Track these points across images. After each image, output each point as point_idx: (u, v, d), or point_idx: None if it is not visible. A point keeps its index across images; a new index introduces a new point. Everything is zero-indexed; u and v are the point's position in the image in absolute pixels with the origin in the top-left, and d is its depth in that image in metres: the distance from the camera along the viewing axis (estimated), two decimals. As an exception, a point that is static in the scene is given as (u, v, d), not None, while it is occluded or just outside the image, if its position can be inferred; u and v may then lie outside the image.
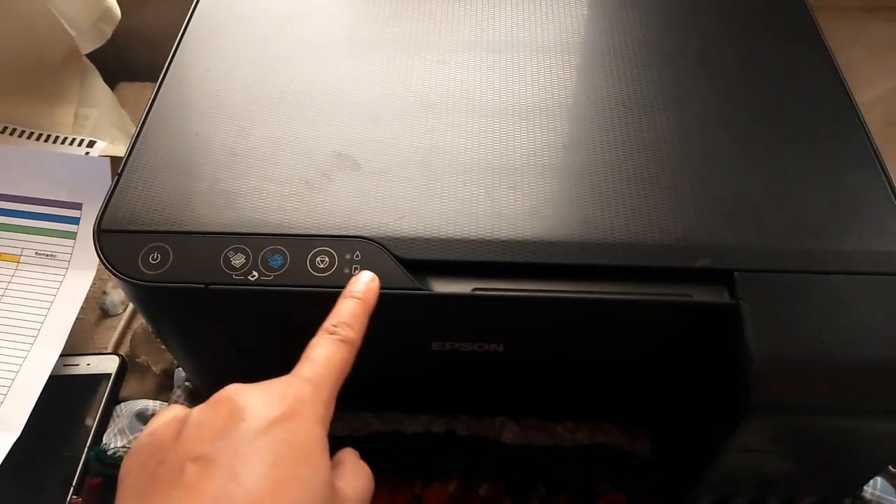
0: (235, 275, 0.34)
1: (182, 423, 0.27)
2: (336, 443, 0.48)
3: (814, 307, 0.34)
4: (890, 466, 0.46)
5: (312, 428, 0.27)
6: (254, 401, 0.27)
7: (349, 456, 0.31)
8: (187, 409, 0.28)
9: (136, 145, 0.39)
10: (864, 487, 0.46)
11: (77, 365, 0.51)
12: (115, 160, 0.60)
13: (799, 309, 0.34)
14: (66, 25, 0.62)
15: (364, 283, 0.33)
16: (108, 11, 0.66)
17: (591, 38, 0.46)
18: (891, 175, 0.39)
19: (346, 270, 0.35)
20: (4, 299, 0.51)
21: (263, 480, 0.25)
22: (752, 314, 0.33)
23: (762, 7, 0.48)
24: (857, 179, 0.38)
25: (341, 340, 0.31)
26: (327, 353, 0.30)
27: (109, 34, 0.68)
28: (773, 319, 0.33)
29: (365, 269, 0.34)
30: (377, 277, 0.33)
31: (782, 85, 0.43)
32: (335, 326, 0.31)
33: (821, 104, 0.42)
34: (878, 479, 0.46)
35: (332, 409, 0.29)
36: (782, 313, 0.33)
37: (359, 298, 0.32)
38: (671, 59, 0.44)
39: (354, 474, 0.30)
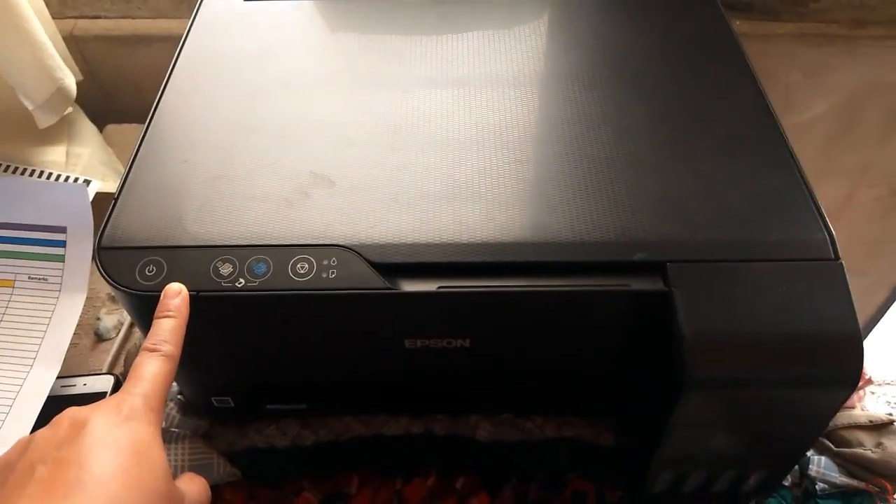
0: (224, 282, 0.38)
1: (28, 442, 0.31)
2: (323, 447, 0.51)
3: (739, 291, 0.38)
4: (830, 444, 0.51)
5: (146, 429, 0.32)
6: (92, 413, 0.31)
7: (187, 472, 0.37)
8: (33, 434, 0.32)
9: (131, 171, 0.43)
10: (809, 466, 0.50)
11: (74, 385, 0.54)
12: (106, 196, 0.64)
13: (726, 293, 0.38)
14: (21, 98, 0.62)
15: (174, 298, 0.37)
16: (61, 91, 0.66)
17: (538, 68, 0.51)
18: (806, 175, 0.44)
19: (325, 275, 0.39)
20: (3, 324, 0.54)
21: (110, 468, 0.29)
22: (683, 299, 0.37)
23: (692, 34, 0.54)
24: (776, 180, 0.43)
25: (163, 356, 0.35)
26: (152, 369, 0.34)
27: (63, 112, 0.67)
28: (703, 303, 0.37)
29: (340, 272, 0.39)
30: (182, 286, 0.38)
31: (709, 101, 0.48)
32: (155, 344, 0.35)
33: (744, 117, 0.47)
34: (822, 457, 0.50)
35: (162, 415, 0.34)
36: (711, 298, 0.38)
37: (173, 315, 0.37)
38: (610, 81, 0.49)
39: (190, 479, 0.35)
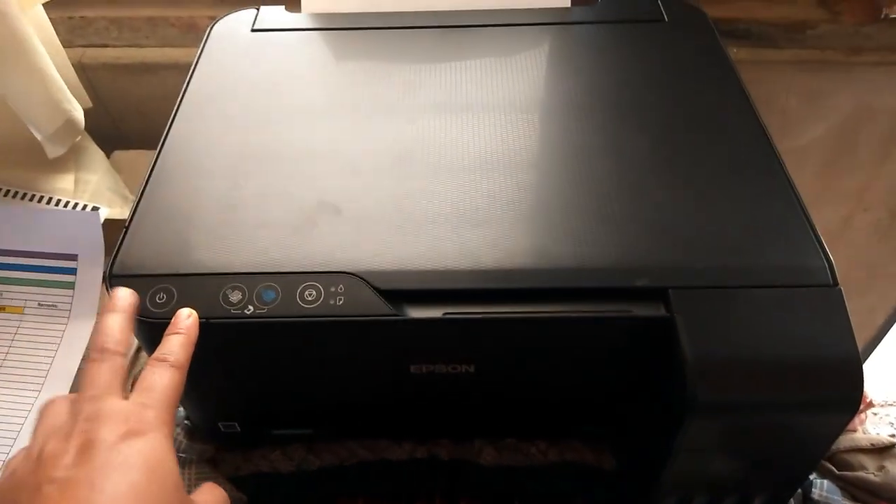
0: (233, 309, 0.39)
1: (38, 456, 0.31)
2: (327, 473, 0.52)
3: (739, 316, 0.39)
4: (832, 467, 0.51)
5: (158, 441, 0.32)
6: (102, 429, 0.31)
7: (206, 483, 0.36)
8: (39, 444, 0.31)
9: (142, 199, 0.44)
10: (812, 489, 0.50)
11: (81, 410, 0.55)
12: (113, 222, 0.65)
13: (726, 319, 0.39)
14: (31, 129, 0.63)
15: (184, 320, 0.38)
16: (69, 123, 0.67)
17: (540, 97, 0.53)
18: (803, 201, 0.44)
19: (332, 302, 0.39)
20: (12, 349, 0.55)
21: (122, 487, 0.29)
22: (685, 325, 0.38)
23: (691, 62, 0.55)
24: (775, 206, 0.44)
25: (171, 365, 0.35)
26: (161, 380, 0.34)
27: (71, 142, 0.68)
28: (705, 328, 0.38)
29: (348, 299, 0.39)
30: (193, 311, 0.38)
31: (708, 128, 0.49)
32: (164, 355, 0.35)
33: (742, 144, 0.48)
34: (825, 481, 0.51)
35: (172, 426, 0.34)
36: (712, 323, 0.38)
37: (182, 332, 0.37)
38: (610, 109, 0.51)
39: (209, 491, 0.35)
